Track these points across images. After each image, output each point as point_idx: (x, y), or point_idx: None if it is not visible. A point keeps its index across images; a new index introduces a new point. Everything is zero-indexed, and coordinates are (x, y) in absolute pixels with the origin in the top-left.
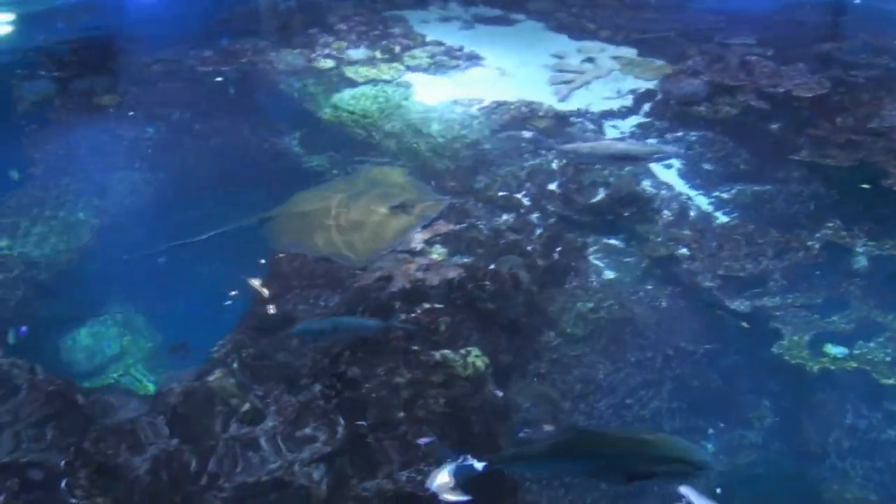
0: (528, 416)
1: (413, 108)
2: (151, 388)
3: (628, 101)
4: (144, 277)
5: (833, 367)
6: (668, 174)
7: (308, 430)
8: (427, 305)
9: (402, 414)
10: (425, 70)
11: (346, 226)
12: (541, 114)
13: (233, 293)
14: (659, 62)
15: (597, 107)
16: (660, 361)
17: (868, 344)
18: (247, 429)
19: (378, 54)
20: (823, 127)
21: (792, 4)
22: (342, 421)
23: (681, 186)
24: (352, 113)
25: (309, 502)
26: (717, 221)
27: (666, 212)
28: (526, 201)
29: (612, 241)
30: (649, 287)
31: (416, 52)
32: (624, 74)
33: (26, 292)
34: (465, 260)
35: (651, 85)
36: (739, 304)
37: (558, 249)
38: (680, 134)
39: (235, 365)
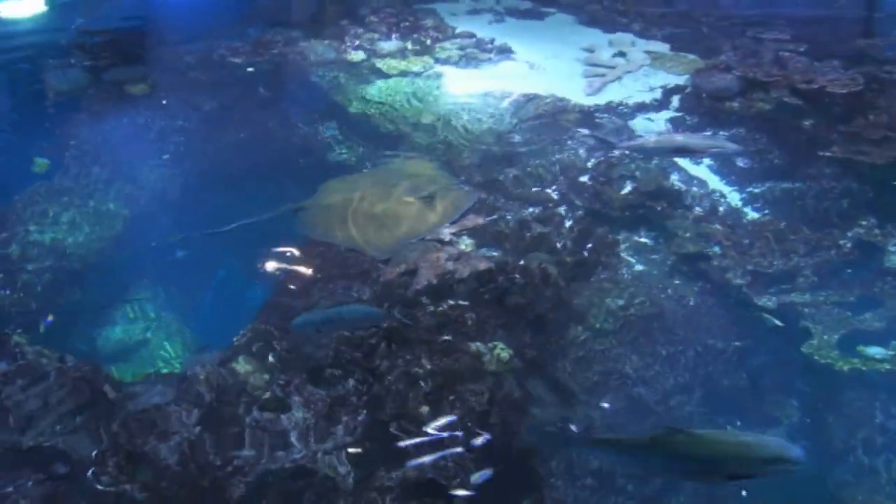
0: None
1: (443, 100)
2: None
3: (659, 95)
4: (174, 267)
5: (864, 368)
6: (700, 169)
7: (333, 419)
8: (451, 302)
9: (426, 407)
10: (455, 63)
11: (375, 217)
12: (571, 108)
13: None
14: (691, 56)
15: (628, 101)
16: (689, 359)
17: None
18: (272, 417)
19: (409, 46)
20: (857, 124)
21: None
22: (366, 411)
23: (713, 182)
24: (381, 105)
25: (334, 491)
26: (748, 218)
27: (697, 208)
28: (555, 195)
29: (642, 239)
30: (677, 282)
31: (447, 44)
32: (655, 69)
33: (57, 279)
34: (494, 253)
35: (682, 80)
36: (768, 301)
37: (588, 246)
38: (709, 133)
39: (265, 355)
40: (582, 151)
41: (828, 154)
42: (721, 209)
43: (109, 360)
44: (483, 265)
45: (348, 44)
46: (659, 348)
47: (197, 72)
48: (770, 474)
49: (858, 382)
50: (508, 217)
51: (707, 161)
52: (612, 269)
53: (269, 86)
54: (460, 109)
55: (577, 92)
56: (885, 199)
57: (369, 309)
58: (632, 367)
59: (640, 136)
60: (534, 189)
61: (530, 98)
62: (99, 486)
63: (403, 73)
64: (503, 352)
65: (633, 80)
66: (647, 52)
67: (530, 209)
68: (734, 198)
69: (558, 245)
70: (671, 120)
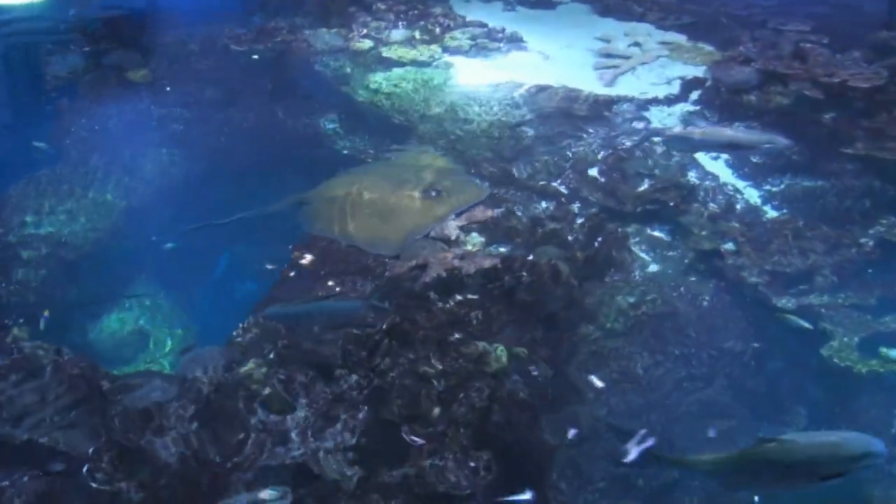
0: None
1: (452, 91)
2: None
3: (675, 87)
4: (172, 259)
5: (882, 370)
6: (716, 165)
7: (334, 417)
8: (459, 297)
9: (435, 408)
10: (465, 52)
11: (378, 213)
12: (584, 99)
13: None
14: (709, 48)
15: (643, 93)
16: (703, 360)
17: None
18: (274, 415)
19: (417, 35)
20: (880, 119)
21: None
22: (368, 409)
23: (729, 178)
24: (389, 95)
25: (336, 491)
26: (766, 216)
27: (712, 204)
28: (566, 190)
29: (656, 234)
30: (693, 280)
31: (457, 33)
32: (672, 60)
33: (52, 271)
34: (503, 249)
35: (700, 72)
36: (787, 303)
37: (599, 240)
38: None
39: (266, 351)
40: (595, 144)
41: (849, 151)
42: (738, 206)
43: (106, 353)
44: (488, 263)
45: (355, 32)
46: (671, 348)
47: (199, 59)
48: (859, 470)
49: (876, 386)
50: (519, 213)
51: (724, 155)
52: (625, 269)
53: (272, 74)
54: (470, 100)
55: (591, 83)
56: None
57: (345, 303)
58: (643, 367)
59: (689, 127)
60: (545, 183)
61: (542, 89)
62: (94, 485)
63: (412, 63)
64: (503, 352)
65: (649, 72)
66: (664, 43)
67: (543, 204)
68: (752, 194)
69: (570, 238)
70: (691, 114)
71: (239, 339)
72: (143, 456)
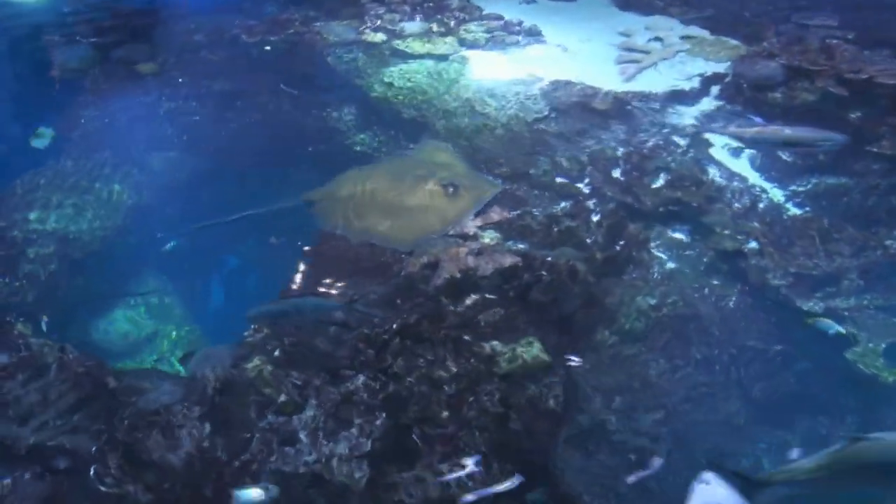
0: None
1: (468, 85)
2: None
3: (697, 83)
4: (180, 256)
5: None
6: (740, 164)
7: (346, 420)
8: (476, 297)
9: (446, 412)
10: (482, 46)
11: (393, 209)
12: (604, 95)
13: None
14: (733, 42)
15: (664, 88)
16: (724, 363)
17: None
18: (283, 418)
19: (433, 28)
20: None
21: None
22: (382, 413)
23: (753, 177)
24: (402, 89)
25: (346, 493)
26: (789, 213)
27: (736, 204)
28: (585, 189)
29: (677, 235)
30: (715, 282)
31: (473, 26)
32: (694, 56)
33: (60, 268)
34: (520, 246)
35: (722, 68)
36: (814, 305)
37: (621, 243)
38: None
39: (275, 352)
40: (614, 142)
41: (875, 149)
42: (761, 205)
43: (113, 350)
44: (508, 261)
45: (368, 24)
46: (693, 350)
47: (209, 51)
48: None
49: None
50: (536, 212)
51: (747, 153)
52: (643, 267)
53: (284, 67)
54: (486, 95)
55: (611, 78)
56: None
57: (326, 302)
58: (658, 371)
59: (746, 124)
60: (563, 181)
61: (561, 84)
62: (102, 488)
63: (427, 56)
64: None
65: (670, 67)
66: (686, 37)
67: (562, 203)
68: (776, 194)
69: (588, 241)
70: (710, 110)
71: (250, 339)
72: (150, 457)
